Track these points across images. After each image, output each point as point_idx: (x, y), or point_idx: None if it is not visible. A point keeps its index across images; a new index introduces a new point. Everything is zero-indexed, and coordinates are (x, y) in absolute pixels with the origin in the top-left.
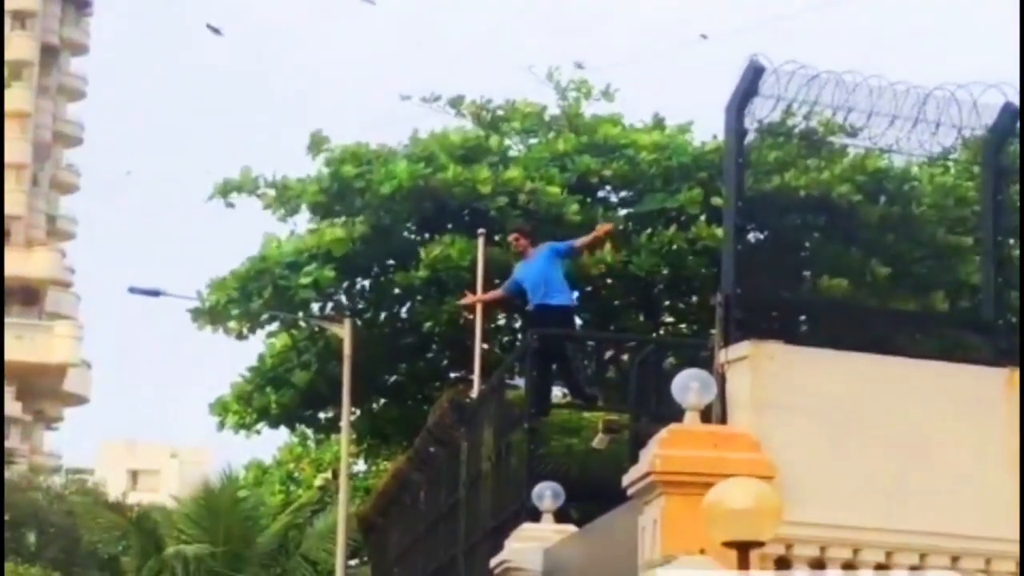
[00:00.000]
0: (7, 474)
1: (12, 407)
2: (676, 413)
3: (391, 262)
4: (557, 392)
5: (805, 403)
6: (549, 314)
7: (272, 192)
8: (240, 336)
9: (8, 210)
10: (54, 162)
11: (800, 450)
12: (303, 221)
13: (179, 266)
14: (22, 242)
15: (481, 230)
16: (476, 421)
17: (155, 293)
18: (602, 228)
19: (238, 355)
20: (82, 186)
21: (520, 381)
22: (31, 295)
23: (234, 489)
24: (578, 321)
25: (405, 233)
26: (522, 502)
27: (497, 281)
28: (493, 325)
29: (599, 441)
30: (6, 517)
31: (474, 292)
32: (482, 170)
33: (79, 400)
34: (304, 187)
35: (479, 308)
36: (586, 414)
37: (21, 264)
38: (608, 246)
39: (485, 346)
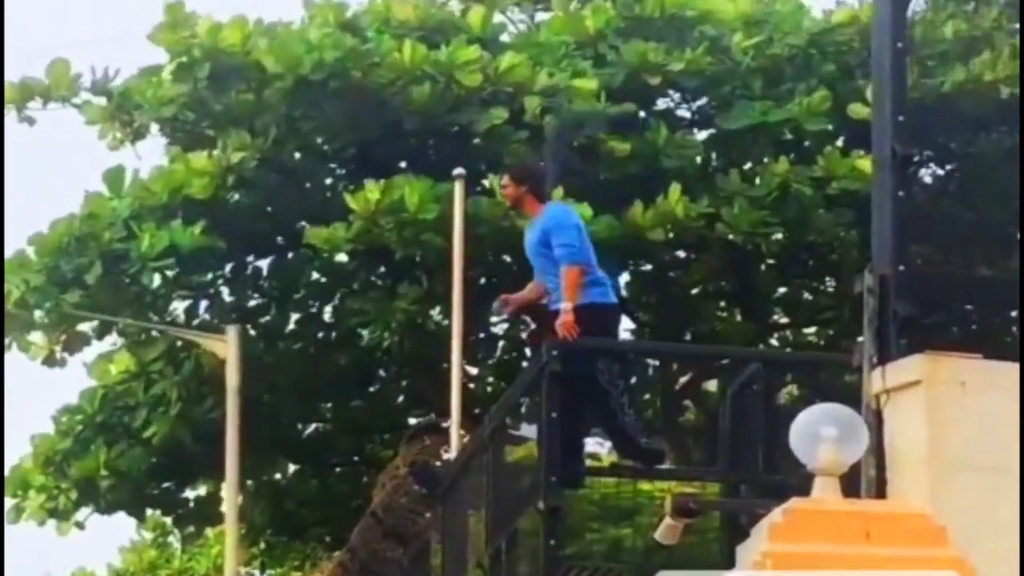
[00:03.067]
0: None
1: None
2: (799, 480)
3: (303, 223)
4: (595, 447)
5: (1018, 459)
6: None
7: (102, 101)
8: (50, 359)
9: None
10: None
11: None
12: (155, 150)
13: None
14: None
15: (459, 170)
16: (456, 499)
17: None
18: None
19: (47, 388)
20: None
21: (531, 429)
22: None
23: None
24: (627, 326)
25: (327, 176)
26: None
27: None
28: (483, 335)
29: (666, 531)
30: None
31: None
32: (463, 48)
33: None
34: (155, 90)
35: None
36: (644, 485)
37: None
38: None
39: (473, 370)
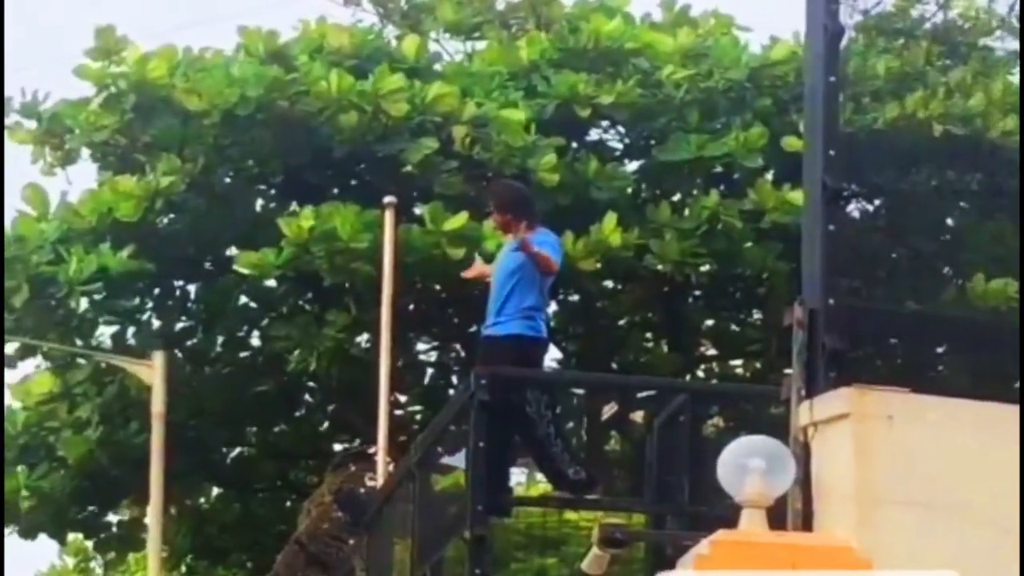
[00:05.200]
0: None
1: None
2: (725, 511)
3: (231, 251)
4: (522, 476)
5: (945, 493)
6: (501, 349)
7: (32, 124)
8: None
9: None
10: None
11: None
12: (85, 175)
13: None
14: None
15: (389, 198)
16: (381, 527)
17: None
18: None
19: None
20: None
21: (458, 458)
22: None
23: None
24: (555, 356)
25: (258, 199)
26: None
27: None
28: (410, 363)
29: (593, 561)
30: None
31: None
32: (389, 77)
33: None
34: (85, 114)
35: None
36: (570, 515)
37: None
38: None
39: (401, 397)
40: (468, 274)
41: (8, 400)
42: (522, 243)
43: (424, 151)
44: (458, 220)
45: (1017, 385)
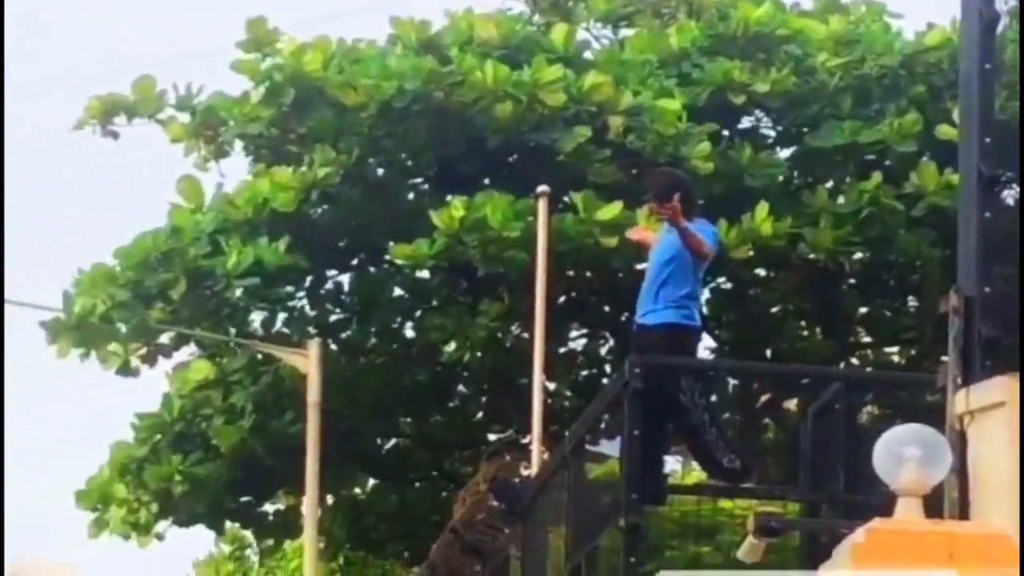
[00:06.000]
0: None
1: None
2: (881, 500)
3: (385, 239)
4: (676, 465)
5: None
6: (655, 337)
7: (187, 116)
8: (125, 368)
9: None
10: None
11: None
12: (238, 167)
13: (22, 250)
14: None
15: (543, 187)
16: (535, 516)
17: None
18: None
19: (125, 400)
20: None
21: (612, 446)
22: None
23: None
24: (708, 344)
25: (411, 191)
26: None
27: None
28: (564, 348)
29: (749, 549)
30: None
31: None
32: (545, 68)
33: None
34: (240, 107)
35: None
36: (724, 503)
37: None
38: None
39: (552, 386)
40: (631, 234)
41: (165, 387)
42: (672, 213)
43: (578, 139)
44: (612, 209)
45: None
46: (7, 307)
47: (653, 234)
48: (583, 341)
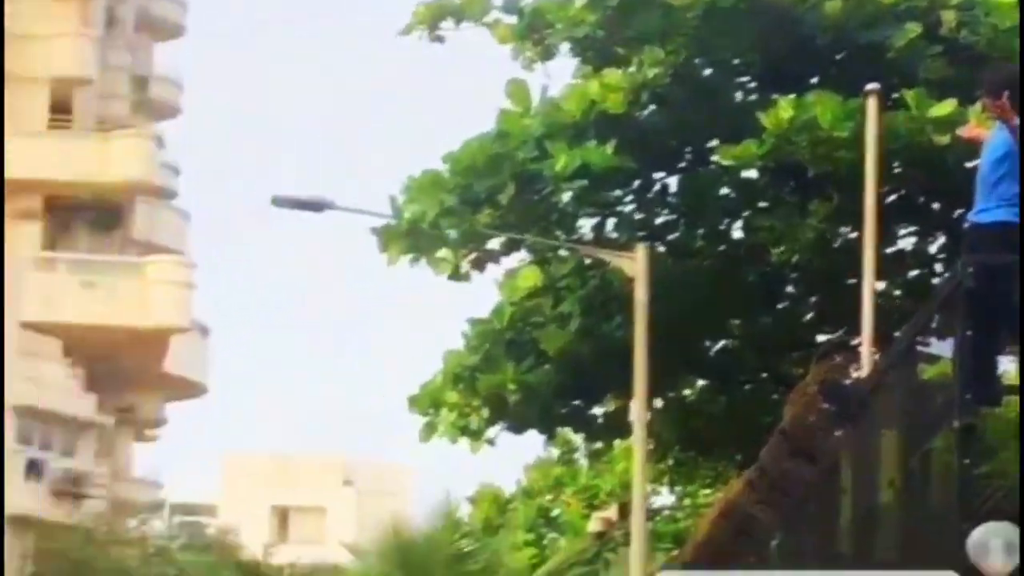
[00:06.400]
0: (72, 517)
1: (79, 403)
2: None
3: (713, 142)
4: (1012, 366)
5: None
6: (988, 236)
7: (513, 19)
8: (455, 274)
9: (64, 70)
10: None
11: None
12: (562, 70)
13: (352, 158)
14: (90, 124)
15: (872, 84)
16: (866, 418)
17: (316, 206)
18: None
19: (456, 306)
20: (191, 25)
21: (945, 347)
22: (108, 213)
23: (452, 538)
24: None
25: (738, 92)
26: (953, 559)
27: None
28: (893, 248)
29: None
30: None
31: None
32: None
33: (191, 389)
34: (567, 9)
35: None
36: None
37: (90, 160)
38: None
39: (881, 286)
40: (963, 131)
41: (495, 296)
42: (1000, 110)
43: (909, 35)
44: (945, 107)
45: None
46: (333, 212)
47: (986, 132)
48: (912, 240)
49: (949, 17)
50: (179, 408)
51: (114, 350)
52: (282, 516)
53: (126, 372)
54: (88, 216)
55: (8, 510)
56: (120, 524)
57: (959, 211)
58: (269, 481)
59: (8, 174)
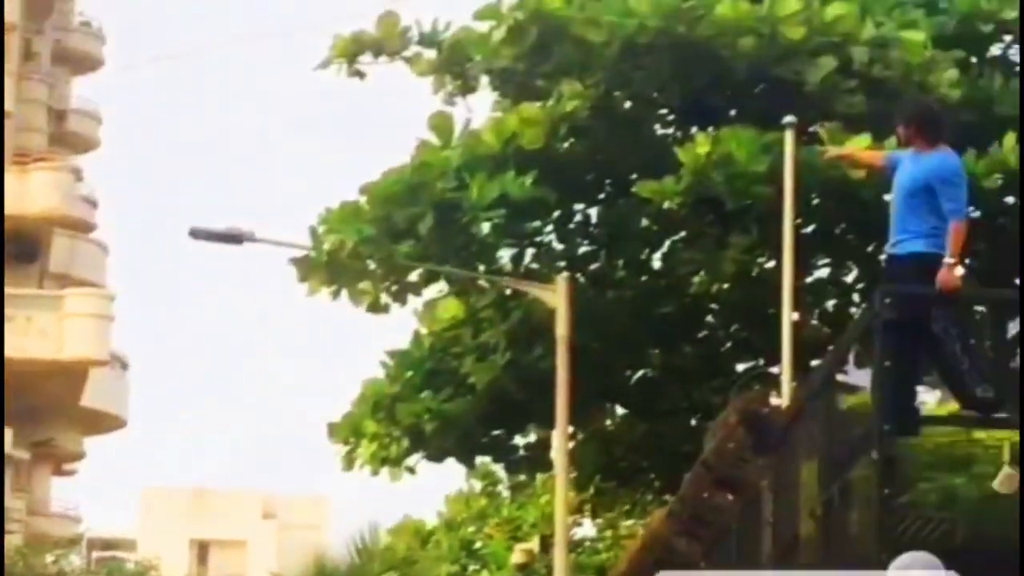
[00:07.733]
0: None
1: None
2: None
3: (633, 175)
4: (929, 396)
5: None
6: (905, 267)
7: (432, 53)
8: (376, 305)
9: None
10: (61, 15)
11: None
12: (483, 103)
13: (271, 191)
14: (8, 158)
15: (789, 118)
16: (787, 448)
17: (234, 238)
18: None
19: (375, 337)
20: (109, 58)
21: (863, 377)
22: (26, 246)
23: (374, 570)
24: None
25: (657, 124)
26: None
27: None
28: (811, 279)
29: (1004, 480)
30: None
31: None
32: (786, 2)
33: (110, 423)
34: (485, 43)
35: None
36: (980, 433)
37: (8, 194)
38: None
39: (796, 316)
40: (830, 154)
41: (415, 327)
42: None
43: (824, 70)
44: (860, 141)
45: None
46: (252, 244)
47: (866, 155)
48: (828, 271)
49: (860, 53)
50: (97, 442)
51: (31, 383)
52: (202, 550)
53: (44, 405)
54: (6, 249)
55: None
56: (38, 559)
57: (874, 244)
58: (189, 515)
59: None
